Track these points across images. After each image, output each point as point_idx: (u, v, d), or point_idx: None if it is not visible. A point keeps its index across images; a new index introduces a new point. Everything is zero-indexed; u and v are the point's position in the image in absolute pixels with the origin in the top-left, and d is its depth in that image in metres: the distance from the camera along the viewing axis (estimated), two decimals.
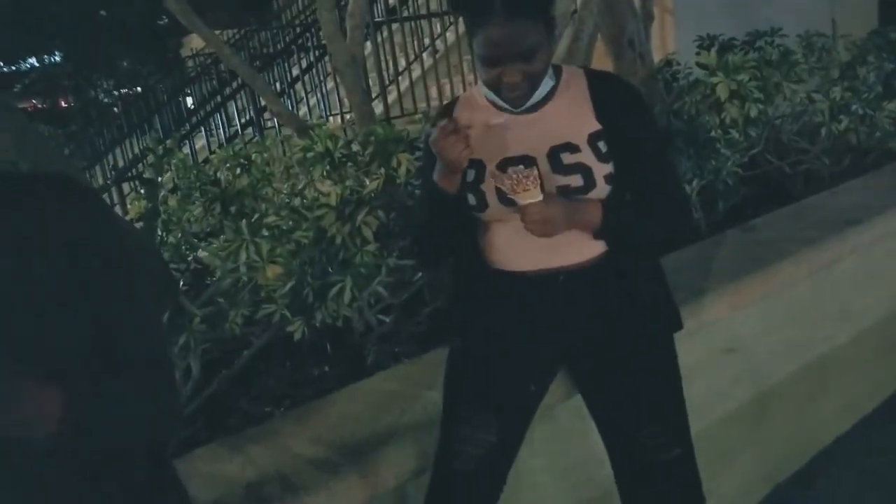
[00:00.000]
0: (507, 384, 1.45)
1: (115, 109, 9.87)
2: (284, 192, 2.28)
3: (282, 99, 5.89)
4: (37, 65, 13.38)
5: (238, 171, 2.32)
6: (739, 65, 2.50)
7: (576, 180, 1.41)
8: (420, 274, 2.06)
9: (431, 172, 1.42)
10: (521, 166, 1.33)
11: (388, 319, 2.07)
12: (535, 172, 1.31)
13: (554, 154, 1.42)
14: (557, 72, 1.49)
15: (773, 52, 2.62)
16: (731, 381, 2.05)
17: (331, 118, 5.77)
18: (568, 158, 1.41)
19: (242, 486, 1.35)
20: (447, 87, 5.70)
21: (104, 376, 0.85)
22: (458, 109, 1.54)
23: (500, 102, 1.47)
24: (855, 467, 2.23)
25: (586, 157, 1.41)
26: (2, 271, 0.82)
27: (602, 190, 1.42)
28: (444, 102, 1.63)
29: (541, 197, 1.31)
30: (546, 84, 1.40)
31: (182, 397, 1.67)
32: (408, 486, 1.45)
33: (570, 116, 1.44)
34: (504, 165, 1.44)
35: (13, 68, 13.19)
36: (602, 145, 1.43)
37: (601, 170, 1.42)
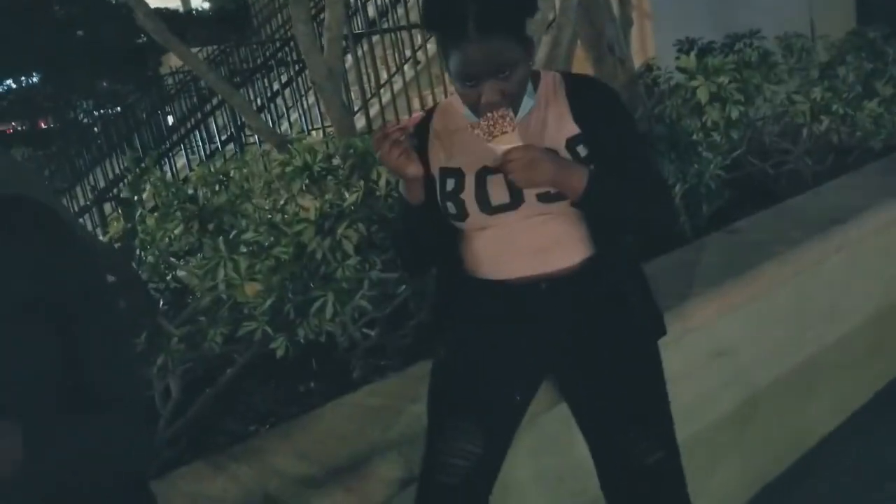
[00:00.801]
0: (491, 394, 1.42)
1: (95, 129, 9.80)
2: (266, 207, 2.26)
3: (263, 114, 5.87)
4: (14, 86, 13.28)
5: (217, 187, 2.30)
6: (719, 67, 2.50)
7: None
8: (404, 286, 2.04)
9: None
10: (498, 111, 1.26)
11: (372, 333, 2.04)
12: (511, 113, 1.26)
13: None
14: (536, 79, 1.47)
15: (753, 53, 2.63)
16: (720, 385, 2.03)
17: (313, 132, 5.75)
18: None
19: None
20: (429, 99, 5.69)
21: (69, 413, 0.81)
22: (435, 118, 1.53)
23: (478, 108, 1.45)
24: (841, 467, 2.22)
25: None
26: None
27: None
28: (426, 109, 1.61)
29: (520, 142, 1.26)
30: (526, 103, 1.38)
31: (156, 429, 1.62)
32: (393, 501, 1.42)
33: (548, 121, 1.43)
34: (483, 174, 1.42)
35: None
36: (581, 149, 1.41)
37: None
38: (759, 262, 2.07)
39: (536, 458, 1.67)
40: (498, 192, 1.39)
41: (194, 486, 1.39)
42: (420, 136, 1.51)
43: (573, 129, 1.41)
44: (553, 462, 1.71)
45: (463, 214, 1.45)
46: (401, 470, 1.40)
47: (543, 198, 1.39)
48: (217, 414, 1.88)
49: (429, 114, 1.55)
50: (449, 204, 1.45)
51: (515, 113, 1.33)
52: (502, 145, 1.26)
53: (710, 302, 1.90)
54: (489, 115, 1.25)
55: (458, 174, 1.43)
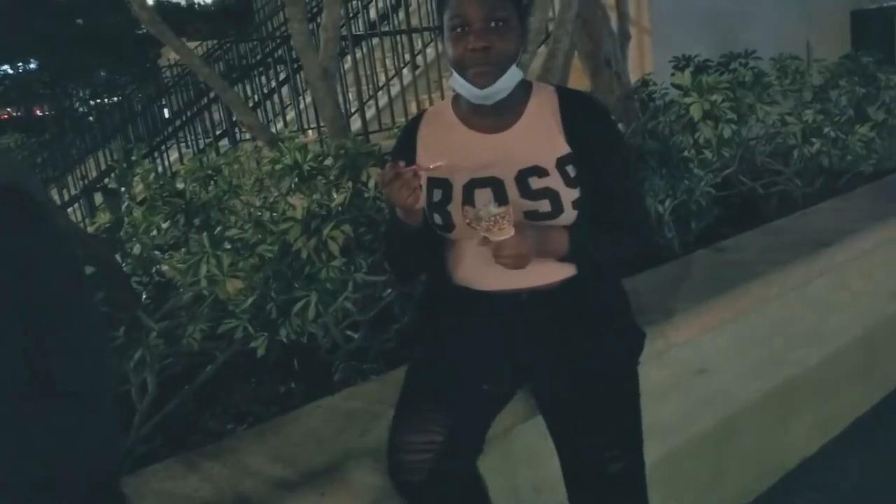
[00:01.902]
0: (457, 384, 1.41)
1: (90, 119, 9.76)
2: (256, 204, 2.24)
3: (259, 111, 5.85)
4: (11, 72, 13.20)
5: (206, 182, 2.28)
6: (713, 85, 2.51)
7: (543, 205, 1.40)
8: (389, 290, 2.03)
9: None
10: (494, 205, 1.29)
11: (356, 336, 2.03)
12: (510, 211, 1.28)
13: (522, 177, 1.41)
14: (528, 88, 1.47)
15: (747, 73, 2.64)
16: (702, 402, 2.03)
17: (309, 132, 5.73)
18: (536, 183, 1.40)
19: None
20: (427, 103, 5.69)
21: (34, 403, 0.79)
22: (423, 125, 1.52)
23: (469, 117, 1.45)
24: (819, 490, 2.22)
25: (554, 181, 1.40)
26: None
27: (569, 215, 1.41)
28: (413, 116, 1.61)
29: (513, 231, 1.28)
30: (514, 75, 1.37)
31: (123, 425, 1.60)
32: None
33: (539, 138, 1.42)
34: (471, 187, 1.42)
35: None
36: (570, 169, 1.41)
37: (569, 195, 1.41)
38: (744, 280, 2.08)
39: (512, 470, 1.66)
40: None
41: (166, 484, 1.37)
42: (407, 144, 1.51)
43: (564, 148, 1.41)
44: (529, 474, 1.70)
45: (449, 226, 1.45)
46: (376, 476, 1.38)
47: (531, 216, 1.40)
48: (195, 412, 1.86)
49: (415, 122, 1.55)
50: (436, 215, 1.45)
51: (502, 75, 1.34)
52: (497, 237, 1.28)
53: (694, 318, 1.90)
54: (490, 218, 1.27)
55: (445, 185, 1.43)
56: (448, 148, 1.45)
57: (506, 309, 1.47)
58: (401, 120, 5.41)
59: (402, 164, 1.31)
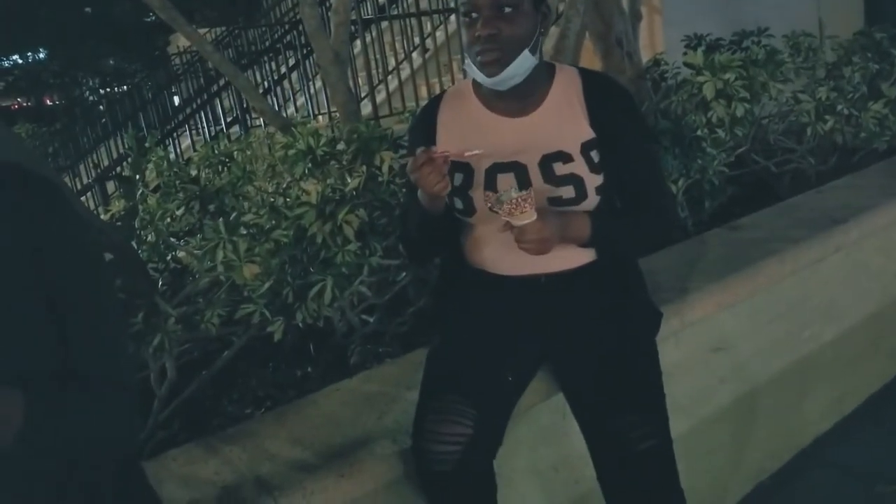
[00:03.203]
0: (483, 374, 1.42)
1: (100, 107, 9.80)
2: (269, 190, 2.25)
3: (270, 97, 5.85)
4: (21, 62, 13.24)
5: (220, 169, 2.29)
6: (726, 64, 2.49)
7: (568, 191, 1.39)
8: (404, 273, 2.04)
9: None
10: (514, 190, 1.28)
11: (371, 319, 2.04)
12: (532, 194, 1.27)
13: (546, 163, 1.40)
14: (551, 71, 1.45)
15: (760, 51, 2.61)
16: (718, 380, 2.04)
17: (319, 117, 5.73)
18: (560, 169, 1.39)
19: (218, 488, 1.32)
20: (437, 87, 5.67)
21: (59, 388, 0.80)
22: (443, 107, 1.51)
23: (491, 100, 1.44)
24: (834, 467, 2.23)
25: (579, 167, 1.39)
26: None
27: (592, 201, 1.41)
28: (433, 96, 1.60)
29: (535, 216, 1.27)
30: (526, 60, 1.35)
31: (146, 410, 1.62)
32: (387, 489, 1.42)
33: (562, 122, 1.41)
34: (493, 172, 1.41)
35: None
36: (595, 155, 1.40)
37: (593, 181, 1.40)
38: (759, 258, 2.07)
39: (532, 449, 1.67)
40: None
41: (186, 468, 1.39)
42: (427, 126, 1.50)
43: (588, 133, 1.40)
44: (548, 452, 1.71)
45: (470, 210, 1.44)
46: (394, 458, 1.40)
47: (555, 202, 1.39)
48: (213, 396, 1.88)
49: (435, 102, 1.53)
50: (457, 199, 1.44)
51: (511, 62, 1.32)
52: (519, 221, 1.27)
53: (709, 297, 1.90)
54: (512, 200, 1.26)
55: (467, 169, 1.42)
56: (470, 131, 1.44)
57: (524, 292, 1.47)
58: (411, 104, 5.40)
59: (433, 149, 1.30)
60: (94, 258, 0.89)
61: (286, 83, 6.20)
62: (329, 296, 1.70)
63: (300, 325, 1.74)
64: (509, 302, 1.49)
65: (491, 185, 1.41)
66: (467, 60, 1.38)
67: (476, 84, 1.47)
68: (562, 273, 1.46)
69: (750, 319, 2.09)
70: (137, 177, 2.03)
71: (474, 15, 1.32)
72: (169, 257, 1.91)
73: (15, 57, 13.01)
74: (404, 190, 1.90)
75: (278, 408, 1.65)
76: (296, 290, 1.72)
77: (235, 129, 5.83)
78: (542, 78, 1.42)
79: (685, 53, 2.83)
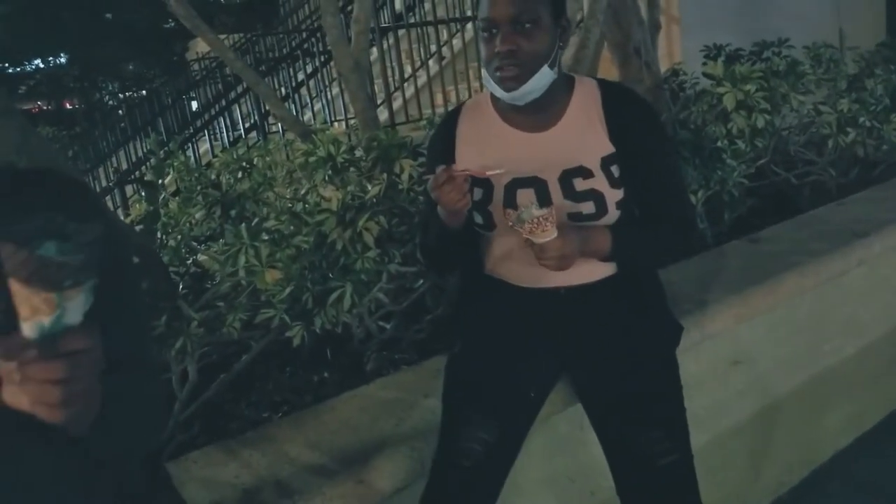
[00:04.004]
0: (506, 389, 1.42)
1: (120, 112, 9.90)
2: (287, 196, 2.27)
3: (286, 104, 5.89)
4: (42, 66, 13.42)
5: (240, 174, 2.31)
6: (746, 75, 2.48)
7: (588, 207, 1.38)
8: (422, 281, 2.04)
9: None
10: (535, 206, 1.27)
11: (388, 326, 2.05)
12: (553, 212, 1.26)
13: (566, 178, 1.39)
14: (570, 84, 1.45)
15: (781, 62, 2.60)
16: (736, 394, 2.02)
17: (335, 124, 5.77)
18: (580, 184, 1.38)
19: (239, 491, 1.33)
20: (453, 95, 5.69)
21: (129, 376, 0.82)
22: (462, 120, 1.51)
23: (509, 114, 1.44)
24: (853, 484, 2.20)
25: (599, 182, 1.38)
26: None
27: (613, 216, 1.40)
28: (450, 110, 1.60)
29: (556, 233, 1.26)
30: (545, 76, 1.34)
31: (175, 403, 1.64)
32: (404, 494, 1.42)
33: (582, 137, 1.40)
34: (513, 187, 1.41)
35: (18, 69, 13.25)
36: (615, 170, 1.39)
37: (613, 196, 1.39)
38: (780, 271, 2.06)
39: (548, 459, 1.67)
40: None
41: (207, 471, 1.40)
42: (446, 140, 1.50)
43: (608, 147, 1.39)
44: (565, 463, 1.70)
45: (490, 225, 1.44)
46: (412, 464, 1.40)
47: (575, 217, 1.39)
48: (231, 400, 1.89)
49: (453, 116, 1.53)
50: (476, 214, 1.44)
51: (529, 78, 1.32)
52: (540, 240, 1.27)
53: (729, 309, 1.89)
54: (535, 217, 1.25)
55: (486, 184, 1.41)
56: (489, 145, 1.44)
57: (544, 304, 1.46)
58: (427, 111, 5.42)
59: (454, 167, 1.30)
60: (128, 255, 0.91)
61: (303, 90, 6.23)
62: (348, 302, 1.70)
63: (317, 330, 1.74)
64: (529, 313, 1.48)
65: (511, 200, 1.40)
66: (485, 74, 1.38)
67: (494, 97, 1.47)
68: (582, 286, 1.46)
69: (770, 333, 2.07)
70: (160, 181, 2.04)
71: (493, 30, 1.31)
72: (190, 261, 1.93)
73: (37, 61, 13.19)
74: (423, 199, 1.91)
75: (296, 413, 1.66)
76: (315, 296, 1.72)
77: (252, 135, 5.87)
78: (560, 91, 1.41)
79: (704, 63, 2.82)
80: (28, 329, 0.62)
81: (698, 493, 1.38)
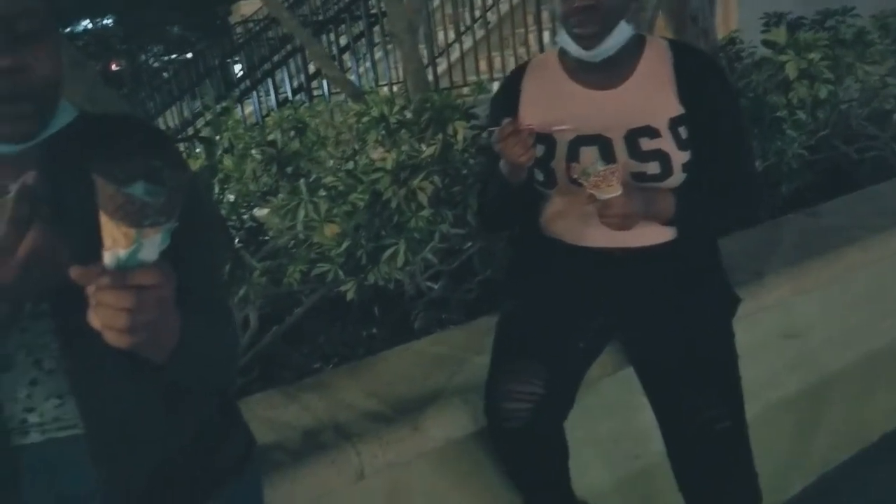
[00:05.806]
0: (554, 340, 1.43)
1: (164, 74, 10.02)
2: (337, 156, 2.28)
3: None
4: (90, 28, 13.61)
5: (292, 133, 2.33)
6: (811, 43, 2.40)
7: (653, 167, 1.36)
8: (470, 243, 2.05)
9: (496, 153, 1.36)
10: (601, 163, 1.26)
11: (436, 286, 2.07)
12: (619, 168, 1.25)
13: (632, 137, 1.37)
14: (641, 43, 1.42)
15: (848, 31, 2.51)
16: (787, 367, 2.00)
17: (378, 88, 5.75)
18: (647, 144, 1.36)
19: (299, 432, 1.37)
20: (497, 61, 5.62)
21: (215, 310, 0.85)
22: (527, 77, 1.50)
23: (577, 72, 1.42)
24: None
25: (666, 143, 1.36)
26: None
27: (678, 178, 1.38)
28: (516, 66, 1.58)
29: (621, 190, 1.25)
30: (623, 32, 1.33)
31: (240, 345, 1.69)
32: (457, 444, 1.45)
33: (651, 96, 1.38)
34: (577, 144, 1.39)
35: (68, 30, 13.45)
36: (683, 131, 1.37)
37: (679, 157, 1.37)
38: (838, 245, 2.01)
39: (594, 420, 1.68)
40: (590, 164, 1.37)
41: (269, 412, 1.45)
42: (510, 96, 1.49)
43: (677, 108, 1.37)
44: (610, 425, 1.71)
45: (551, 182, 1.44)
46: (466, 415, 1.43)
47: (638, 178, 1.37)
48: (284, 350, 1.94)
49: (519, 72, 1.52)
50: (537, 171, 1.44)
51: (608, 35, 1.30)
52: (604, 195, 1.25)
53: (786, 282, 1.86)
54: (600, 171, 1.24)
55: (549, 141, 1.40)
56: (554, 102, 1.43)
57: (599, 264, 1.46)
58: (471, 77, 5.38)
59: (520, 121, 1.29)
60: (204, 195, 0.93)
61: (346, 55, 6.22)
62: (401, 259, 1.72)
63: (370, 286, 1.77)
64: (583, 273, 1.48)
65: (574, 157, 1.39)
66: (561, 32, 1.36)
67: (562, 54, 1.45)
68: (639, 248, 1.44)
69: (824, 308, 2.04)
70: (217, 136, 2.08)
71: None
72: (246, 216, 1.97)
73: (85, 22, 13.38)
74: (480, 159, 1.91)
75: (350, 363, 1.69)
76: (369, 253, 1.75)
77: (299, 97, 5.90)
78: (631, 49, 1.39)
79: (764, 31, 2.74)
80: (106, 258, 0.65)
81: (752, 460, 1.38)
